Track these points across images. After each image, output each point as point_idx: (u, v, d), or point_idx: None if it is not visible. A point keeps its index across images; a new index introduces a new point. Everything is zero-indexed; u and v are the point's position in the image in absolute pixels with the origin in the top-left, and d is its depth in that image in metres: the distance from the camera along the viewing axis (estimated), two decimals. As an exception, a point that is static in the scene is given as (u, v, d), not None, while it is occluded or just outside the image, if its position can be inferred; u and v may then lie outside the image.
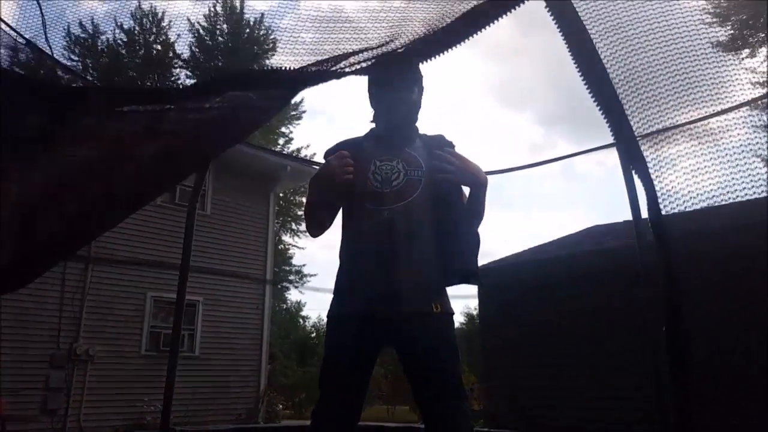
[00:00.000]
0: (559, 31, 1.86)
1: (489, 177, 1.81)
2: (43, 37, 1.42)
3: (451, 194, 1.73)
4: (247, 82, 1.12)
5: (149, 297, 9.03)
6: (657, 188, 2.09)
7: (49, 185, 1.06)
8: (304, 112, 23.55)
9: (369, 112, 1.87)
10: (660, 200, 2.10)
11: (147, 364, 8.44)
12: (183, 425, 4.34)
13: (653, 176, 2.08)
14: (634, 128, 2.06)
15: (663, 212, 2.05)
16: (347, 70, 1.15)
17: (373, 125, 1.86)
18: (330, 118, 44.61)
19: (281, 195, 18.86)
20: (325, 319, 1.78)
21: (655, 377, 3.74)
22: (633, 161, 1.82)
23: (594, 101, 2.07)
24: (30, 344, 7.73)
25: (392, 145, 1.74)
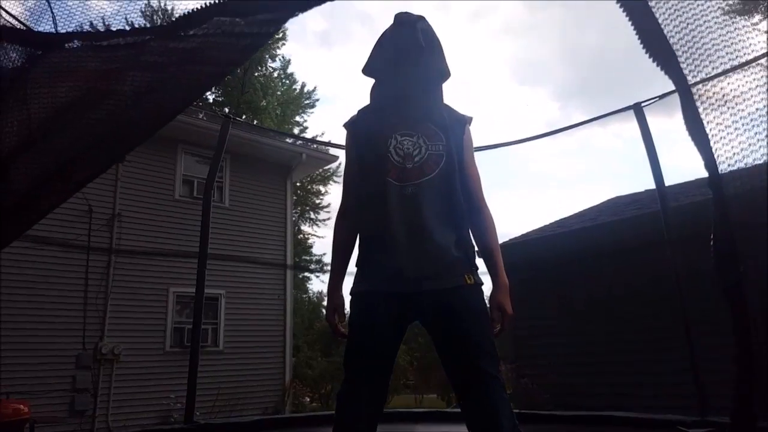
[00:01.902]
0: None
1: (503, 149, 1.81)
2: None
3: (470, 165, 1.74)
4: (235, 8, 0.98)
5: (171, 293, 9.01)
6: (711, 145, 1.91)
7: (22, 129, 0.96)
8: (317, 100, 23.48)
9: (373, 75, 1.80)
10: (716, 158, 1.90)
11: (172, 361, 8.43)
12: (210, 419, 4.25)
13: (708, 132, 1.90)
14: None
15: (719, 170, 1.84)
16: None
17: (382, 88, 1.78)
18: (343, 106, 44.45)
19: (298, 184, 18.81)
20: (349, 296, 1.69)
21: (690, 348, 3.55)
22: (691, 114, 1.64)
23: (647, 52, 1.92)
24: (56, 345, 7.76)
25: (412, 118, 1.68)
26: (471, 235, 1.69)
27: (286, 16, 1.02)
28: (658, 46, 2.06)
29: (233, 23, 1.00)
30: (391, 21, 1.74)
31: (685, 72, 2.10)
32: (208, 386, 7.67)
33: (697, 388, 3.41)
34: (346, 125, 1.80)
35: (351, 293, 1.66)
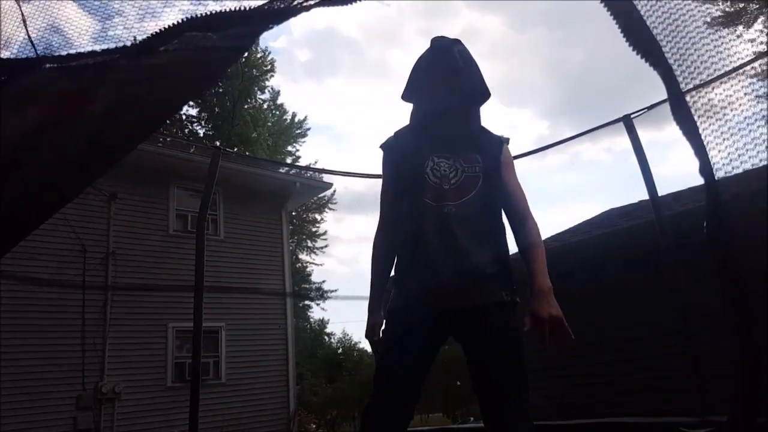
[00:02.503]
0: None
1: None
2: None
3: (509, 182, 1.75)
4: (207, 22, 1.01)
5: (171, 328, 8.97)
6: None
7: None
8: (308, 129, 23.69)
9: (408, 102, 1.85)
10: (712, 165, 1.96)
11: (175, 396, 8.34)
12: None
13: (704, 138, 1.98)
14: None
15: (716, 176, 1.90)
16: (312, 2, 1.05)
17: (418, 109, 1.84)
18: (334, 135, 44.81)
19: (293, 213, 18.85)
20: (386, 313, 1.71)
21: (691, 350, 3.56)
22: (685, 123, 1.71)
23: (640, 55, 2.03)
24: (55, 387, 7.68)
25: (449, 140, 1.71)
26: (518, 248, 1.72)
27: (259, 29, 1.05)
28: (655, 54, 2.15)
29: (205, 38, 1.02)
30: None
31: (680, 78, 2.18)
32: (212, 419, 7.59)
33: (699, 388, 3.43)
34: (383, 147, 1.83)
35: (389, 310, 1.67)
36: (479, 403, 1.60)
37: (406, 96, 1.82)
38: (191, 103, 18.95)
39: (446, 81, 1.70)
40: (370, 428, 1.58)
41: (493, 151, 1.73)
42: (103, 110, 1.03)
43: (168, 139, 13.09)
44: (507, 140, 1.80)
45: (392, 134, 1.83)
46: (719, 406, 3.19)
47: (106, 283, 8.54)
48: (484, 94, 1.79)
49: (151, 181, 9.36)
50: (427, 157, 1.68)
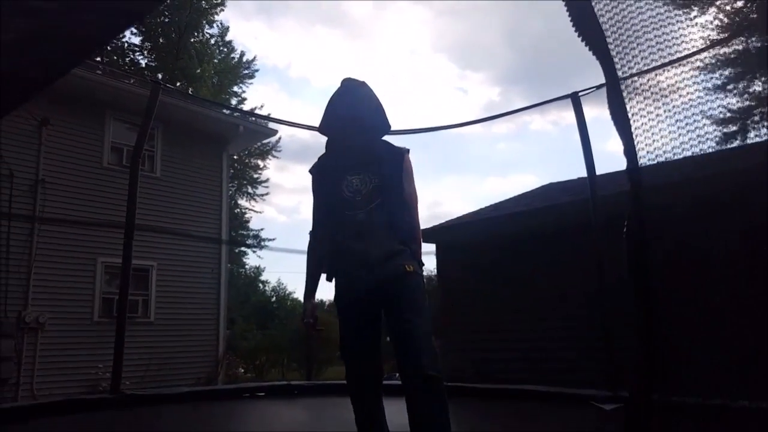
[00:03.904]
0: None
1: (444, 132, 2.08)
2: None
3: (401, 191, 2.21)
4: None
5: (100, 263, 8.75)
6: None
7: None
8: (257, 71, 22.90)
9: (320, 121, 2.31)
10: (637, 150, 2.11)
11: (100, 331, 8.22)
12: (136, 389, 4.28)
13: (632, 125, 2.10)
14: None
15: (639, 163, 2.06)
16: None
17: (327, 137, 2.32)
18: (282, 79, 43.44)
19: (235, 157, 18.40)
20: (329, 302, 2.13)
21: (604, 328, 3.84)
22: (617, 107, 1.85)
23: (584, 43, 2.16)
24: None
25: (357, 161, 2.20)
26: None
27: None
28: (595, 39, 2.28)
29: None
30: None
31: (618, 66, 2.32)
32: (139, 357, 7.58)
33: (611, 364, 3.66)
34: (311, 171, 2.29)
35: (334, 299, 2.14)
36: (395, 348, 1.96)
37: (322, 130, 2.30)
38: (134, 30, 17.81)
39: (354, 120, 2.20)
40: (357, 390, 2.10)
41: (394, 161, 2.20)
42: (13, 39, 1.00)
43: (107, 68, 12.33)
44: (407, 151, 2.25)
45: (317, 160, 2.30)
46: (629, 382, 3.45)
47: (34, 213, 8.17)
48: (385, 128, 2.30)
49: (86, 110, 8.88)
50: (343, 177, 2.17)
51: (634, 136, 2.19)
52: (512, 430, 3.09)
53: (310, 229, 2.30)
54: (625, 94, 2.22)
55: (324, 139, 2.35)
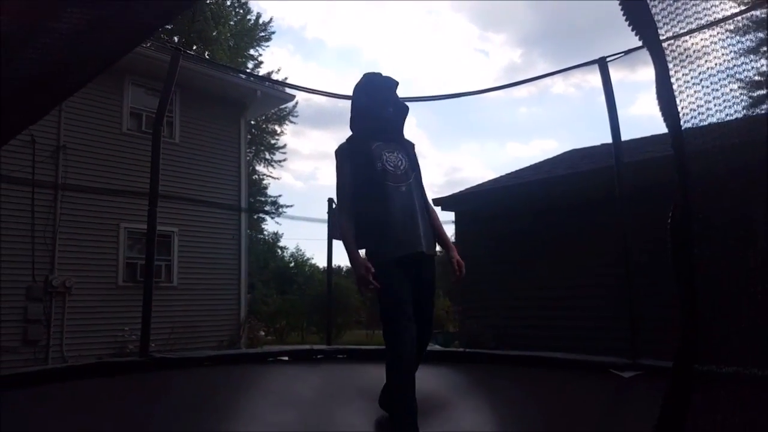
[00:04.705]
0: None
1: (464, 99, 2.21)
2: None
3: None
4: None
5: (123, 228, 8.88)
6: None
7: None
8: (273, 33, 22.57)
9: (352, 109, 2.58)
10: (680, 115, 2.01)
11: (126, 296, 8.42)
12: (164, 352, 4.37)
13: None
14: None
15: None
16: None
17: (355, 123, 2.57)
18: (299, 42, 42.85)
19: (252, 123, 18.35)
20: (372, 266, 2.26)
21: (628, 298, 3.78)
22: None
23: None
24: (3, 276, 7.59)
25: (392, 140, 2.46)
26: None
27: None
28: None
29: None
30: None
31: (659, 26, 2.19)
32: (163, 321, 7.75)
33: (632, 333, 3.60)
34: (342, 151, 2.45)
35: (379, 264, 2.26)
36: (416, 316, 2.26)
37: (362, 107, 2.51)
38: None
39: (393, 103, 2.48)
40: (406, 337, 2.19)
41: (412, 150, 2.52)
42: (70, 29, 0.99)
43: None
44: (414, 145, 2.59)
45: (345, 143, 2.50)
46: (649, 351, 3.42)
47: (57, 180, 8.26)
48: (407, 110, 2.57)
49: (104, 75, 8.84)
50: (380, 153, 2.38)
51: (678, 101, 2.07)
52: (530, 396, 3.10)
53: (340, 199, 2.46)
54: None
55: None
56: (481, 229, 9.62)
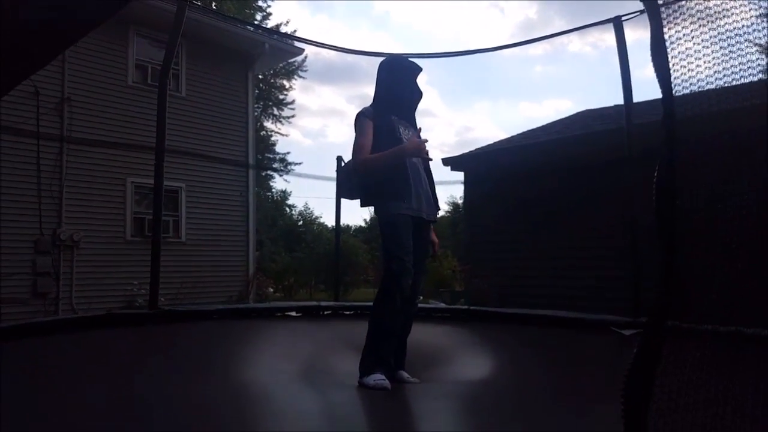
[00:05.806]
0: None
1: (477, 56, 2.23)
2: None
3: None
4: None
5: (129, 183, 8.86)
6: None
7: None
8: (281, -15, 21.89)
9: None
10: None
11: (134, 250, 8.47)
12: (172, 306, 4.41)
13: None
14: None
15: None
16: None
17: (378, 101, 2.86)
18: (310, -5, 41.66)
19: (260, 77, 18.05)
20: (387, 217, 2.65)
21: (632, 258, 3.76)
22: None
23: None
24: (11, 230, 7.63)
25: (408, 119, 2.85)
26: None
27: None
28: None
29: None
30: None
31: None
32: (172, 276, 7.82)
33: (635, 292, 3.65)
34: (364, 113, 2.75)
35: (392, 213, 2.61)
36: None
37: (392, 84, 2.81)
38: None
39: (410, 84, 2.84)
40: (404, 281, 2.54)
41: (419, 134, 2.81)
42: None
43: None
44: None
45: (369, 107, 2.81)
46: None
47: (62, 133, 8.20)
48: (421, 96, 2.93)
49: (109, 25, 8.63)
50: (398, 126, 2.74)
51: (670, 64, 1.98)
52: (533, 353, 3.16)
53: (357, 154, 2.72)
54: (670, 18, 2.01)
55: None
56: (489, 189, 9.53)
